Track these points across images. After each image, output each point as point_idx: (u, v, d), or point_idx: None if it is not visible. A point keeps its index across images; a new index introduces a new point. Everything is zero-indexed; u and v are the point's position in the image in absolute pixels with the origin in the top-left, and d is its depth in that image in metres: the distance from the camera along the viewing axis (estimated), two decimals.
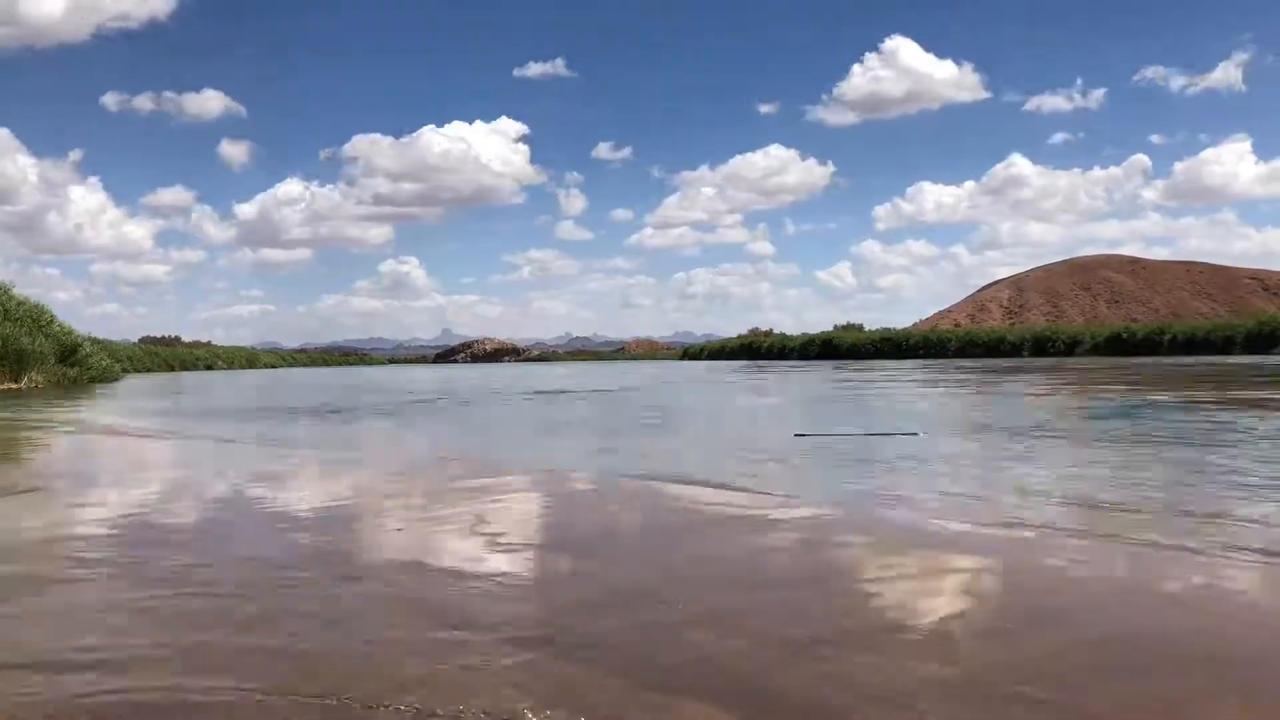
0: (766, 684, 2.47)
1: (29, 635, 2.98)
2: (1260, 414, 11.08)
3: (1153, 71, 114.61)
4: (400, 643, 2.84)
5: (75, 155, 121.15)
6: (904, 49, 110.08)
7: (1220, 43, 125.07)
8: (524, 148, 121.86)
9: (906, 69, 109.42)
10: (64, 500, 6.19)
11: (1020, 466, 7.04)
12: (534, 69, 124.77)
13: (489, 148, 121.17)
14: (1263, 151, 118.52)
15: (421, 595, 3.42)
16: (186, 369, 72.71)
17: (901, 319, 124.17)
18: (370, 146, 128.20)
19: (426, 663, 2.64)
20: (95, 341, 40.72)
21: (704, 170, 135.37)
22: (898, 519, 4.95)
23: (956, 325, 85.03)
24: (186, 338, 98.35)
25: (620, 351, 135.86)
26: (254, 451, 9.49)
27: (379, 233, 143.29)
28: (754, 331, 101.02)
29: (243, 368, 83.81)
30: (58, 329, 34.25)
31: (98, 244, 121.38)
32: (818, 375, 31.37)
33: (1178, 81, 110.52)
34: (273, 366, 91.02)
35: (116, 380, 37.99)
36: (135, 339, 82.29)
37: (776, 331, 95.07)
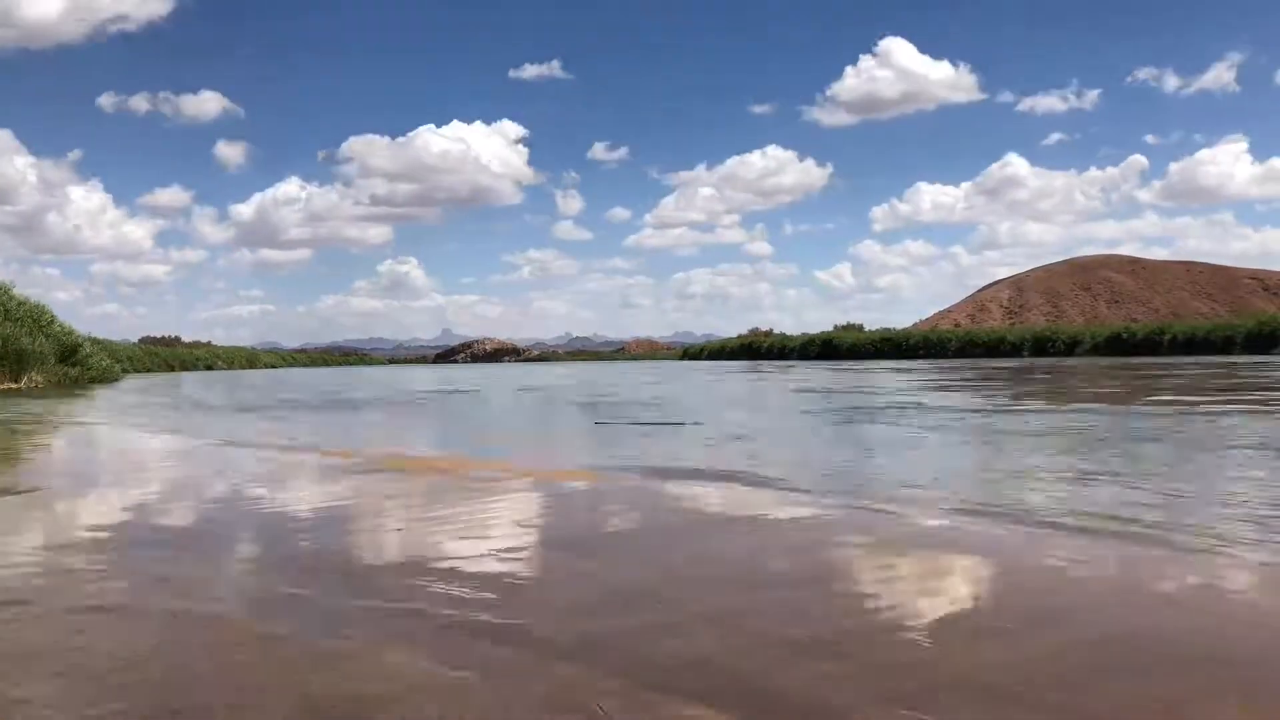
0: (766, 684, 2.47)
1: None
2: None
3: (1147, 72, 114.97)
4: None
5: (74, 155, 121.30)
6: (900, 50, 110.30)
7: (1214, 44, 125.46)
8: (521, 148, 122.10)
9: (902, 69, 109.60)
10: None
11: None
12: (530, 70, 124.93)
13: (486, 148, 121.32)
14: (1259, 152, 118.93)
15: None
16: (186, 369, 72.71)
17: (901, 319, 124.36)
18: (367, 147, 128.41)
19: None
20: (95, 342, 40.72)
21: (701, 170, 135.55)
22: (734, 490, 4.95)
23: (957, 325, 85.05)
24: (186, 338, 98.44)
25: (620, 351, 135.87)
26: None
27: (378, 233, 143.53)
28: (754, 332, 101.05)
29: (243, 367, 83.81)
30: (58, 329, 34.25)
31: (97, 244, 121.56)
32: (781, 374, 31.39)
33: (1172, 82, 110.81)
34: (273, 366, 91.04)
35: (117, 380, 37.99)
36: (135, 339, 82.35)
37: (776, 332, 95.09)
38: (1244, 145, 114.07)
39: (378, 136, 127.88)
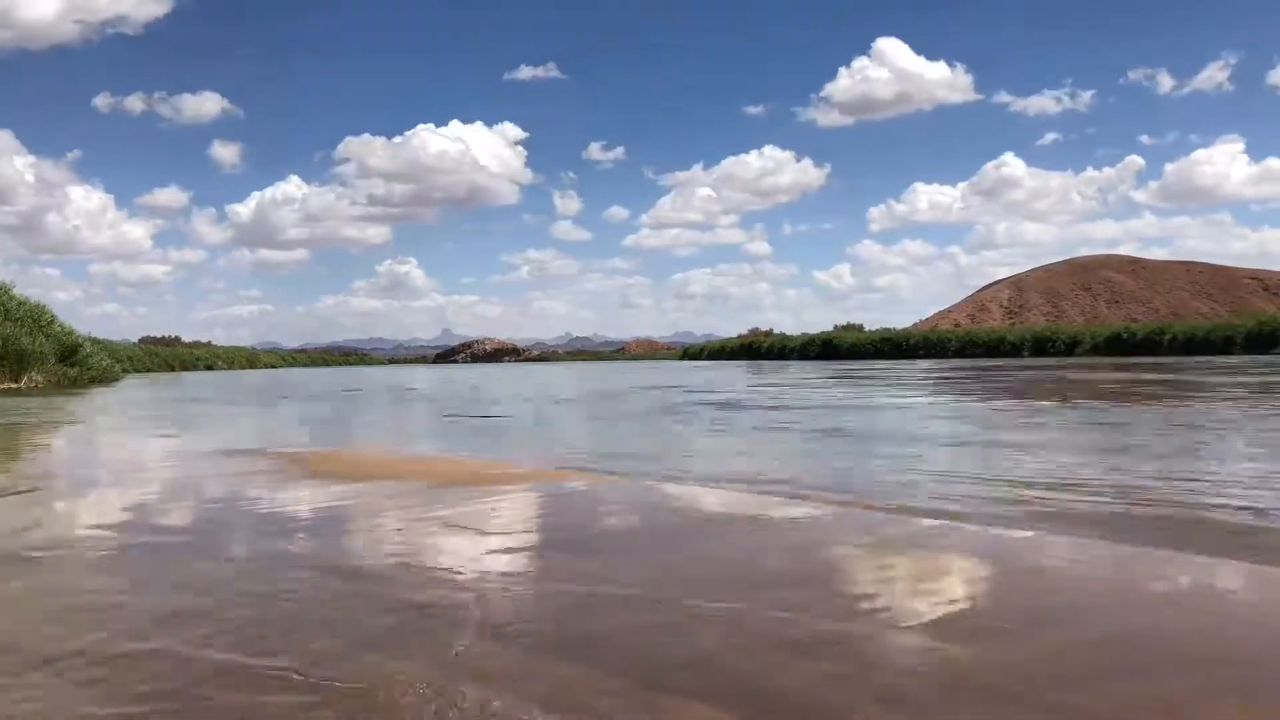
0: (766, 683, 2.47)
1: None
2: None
3: (1142, 73, 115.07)
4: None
5: (73, 155, 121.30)
6: (895, 50, 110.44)
7: (1208, 45, 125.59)
8: (518, 148, 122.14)
9: (898, 70, 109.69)
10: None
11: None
12: (527, 70, 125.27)
13: (483, 148, 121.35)
14: (1254, 152, 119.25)
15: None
16: (186, 369, 72.72)
17: (900, 319, 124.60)
18: (364, 147, 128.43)
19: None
20: (95, 342, 40.72)
21: (697, 171, 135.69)
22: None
23: (957, 325, 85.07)
24: (186, 338, 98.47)
25: (620, 351, 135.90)
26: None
27: (376, 233, 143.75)
28: (754, 332, 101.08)
29: (243, 368, 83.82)
30: (58, 329, 34.25)
31: (96, 244, 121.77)
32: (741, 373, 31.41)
33: (1167, 83, 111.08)
34: (273, 366, 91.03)
35: (117, 380, 37.99)
36: (135, 339, 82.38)
37: (777, 332, 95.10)
38: (1240, 146, 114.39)
39: (376, 137, 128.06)
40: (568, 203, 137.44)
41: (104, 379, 36.18)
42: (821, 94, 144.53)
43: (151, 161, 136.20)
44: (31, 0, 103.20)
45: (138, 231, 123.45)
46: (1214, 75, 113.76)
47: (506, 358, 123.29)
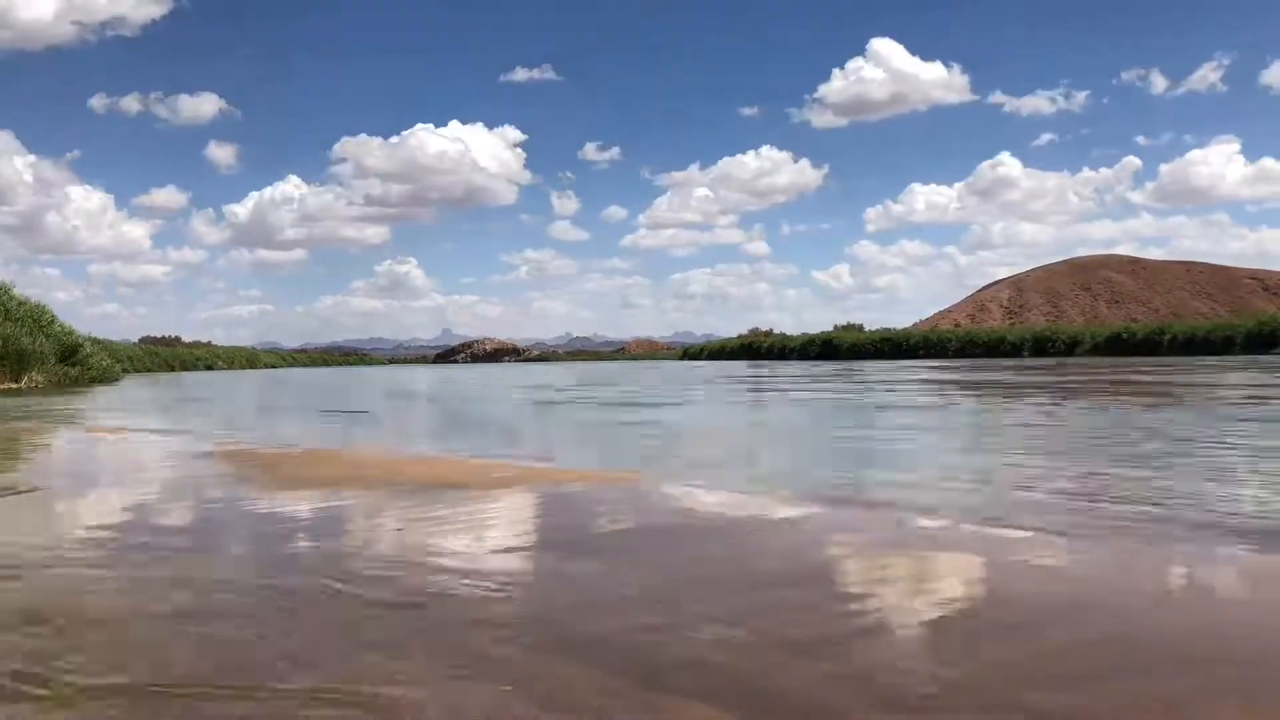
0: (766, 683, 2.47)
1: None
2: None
3: (1137, 74, 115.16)
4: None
5: (72, 156, 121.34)
6: (891, 51, 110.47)
7: (1202, 46, 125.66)
8: (515, 148, 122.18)
9: (894, 70, 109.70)
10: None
11: None
12: (524, 71, 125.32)
13: (480, 148, 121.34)
14: (1249, 153, 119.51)
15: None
16: (187, 369, 72.75)
17: (899, 319, 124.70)
18: (361, 147, 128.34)
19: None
20: (96, 342, 40.73)
21: (693, 171, 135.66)
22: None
23: (957, 325, 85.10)
24: (186, 338, 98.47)
25: (621, 351, 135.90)
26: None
27: (375, 233, 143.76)
28: (754, 332, 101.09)
29: (243, 368, 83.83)
30: (58, 329, 34.27)
31: (95, 244, 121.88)
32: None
33: (1162, 84, 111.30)
34: (273, 366, 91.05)
35: (117, 380, 37.99)
36: (135, 339, 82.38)
37: (777, 332, 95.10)
38: (1236, 146, 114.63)
39: (374, 137, 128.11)
40: (565, 203, 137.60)
41: (104, 379, 36.18)
42: (817, 95, 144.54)
43: (150, 162, 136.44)
44: (30, 1, 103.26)
45: (137, 231, 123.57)
46: (1207, 76, 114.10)
47: (506, 358, 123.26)
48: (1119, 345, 57.37)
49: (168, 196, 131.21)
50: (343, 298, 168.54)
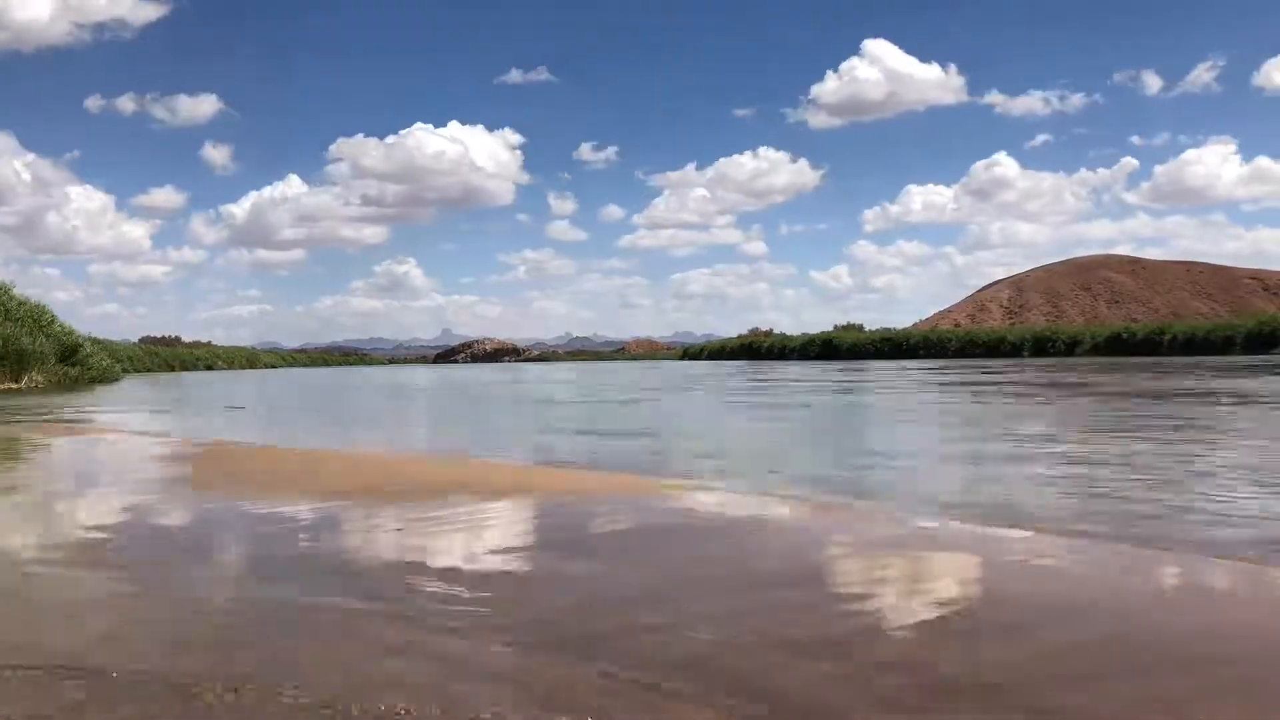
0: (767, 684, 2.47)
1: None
2: None
3: (1132, 75, 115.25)
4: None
5: (71, 156, 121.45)
6: (887, 51, 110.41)
7: (1196, 47, 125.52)
8: (513, 148, 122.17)
9: (890, 71, 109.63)
10: None
11: None
12: (521, 72, 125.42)
13: (478, 149, 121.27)
14: (1245, 153, 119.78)
15: None
16: (187, 369, 72.73)
17: (897, 319, 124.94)
18: (358, 148, 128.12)
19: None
20: (96, 342, 40.72)
21: (690, 171, 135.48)
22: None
23: (957, 325, 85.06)
24: (186, 338, 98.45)
25: (621, 351, 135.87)
26: None
27: (373, 232, 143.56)
28: (754, 332, 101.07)
29: (243, 368, 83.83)
30: (59, 329, 34.26)
31: (95, 244, 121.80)
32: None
33: (1157, 84, 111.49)
34: (273, 367, 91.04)
35: (117, 380, 37.99)
36: (135, 339, 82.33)
37: (776, 332, 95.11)
38: (1232, 147, 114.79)
39: (372, 138, 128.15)
40: (563, 203, 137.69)
41: (104, 379, 36.18)
42: (813, 95, 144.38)
43: (149, 163, 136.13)
44: (29, 2, 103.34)
45: (136, 232, 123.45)
46: (1201, 76, 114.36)
47: (506, 358, 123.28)
48: (1119, 345, 57.34)
49: (166, 196, 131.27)
50: (342, 298, 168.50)
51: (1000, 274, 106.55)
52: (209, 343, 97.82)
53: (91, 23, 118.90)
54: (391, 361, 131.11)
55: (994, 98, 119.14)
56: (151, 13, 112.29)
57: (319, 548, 4.33)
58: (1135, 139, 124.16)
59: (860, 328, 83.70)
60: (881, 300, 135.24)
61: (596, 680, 2.48)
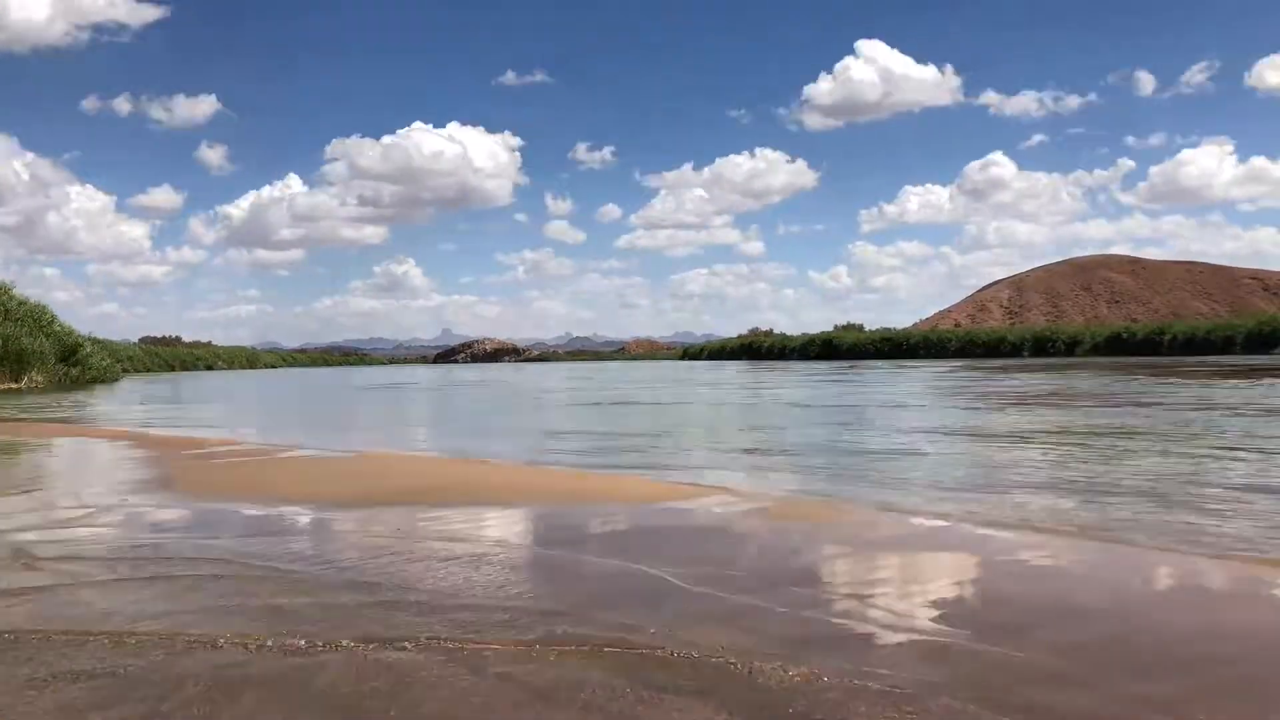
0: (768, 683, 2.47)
1: None
2: None
3: (1127, 75, 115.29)
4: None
5: (70, 157, 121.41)
6: (883, 52, 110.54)
7: (1191, 48, 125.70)
8: (510, 149, 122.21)
9: (886, 72, 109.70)
10: None
11: None
12: (518, 73, 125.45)
13: (475, 149, 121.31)
14: (1240, 153, 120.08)
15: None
16: (187, 369, 72.79)
17: (896, 318, 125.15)
18: (356, 148, 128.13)
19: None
20: (96, 342, 40.74)
21: (686, 171, 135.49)
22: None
23: (957, 325, 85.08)
24: (186, 338, 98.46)
25: (621, 351, 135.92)
26: None
27: (372, 233, 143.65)
28: (754, 331, 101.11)
29: (243, 368, 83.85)
30: (59, 329, 34.28)
31: (94, 245, 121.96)
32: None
33: (1152, 85, 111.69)
34: (273, 366, 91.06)
35: (116, 380, 38.01)
36: (135, 339, 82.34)
37: (776, 331, 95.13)
38: (1229, 147, 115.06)
39: (369, 139, 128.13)
40: (560, 203, 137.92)
41: (104, 379, 36.21)
42: (809, 96, 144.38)
43: (148, 163, 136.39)
44: (29, 4, 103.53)
45: (136, 232, 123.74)
46: (1195, 77, 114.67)
47: (507, 357, 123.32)
48: (1119, 345, 57.36)
49: (165, 196, 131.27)
50: (341, 298, 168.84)
51: (997, 274, 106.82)
52: (209, 343, 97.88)
53: (90, 23, 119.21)
54: (392, 361, 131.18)
55: (989, 98, 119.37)
56: (149, 14, 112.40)
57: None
58: (1130, 139, 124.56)
59: (860, 328, 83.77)
60: (880, 300, 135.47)
61: None
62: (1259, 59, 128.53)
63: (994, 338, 68.49)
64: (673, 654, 2.66)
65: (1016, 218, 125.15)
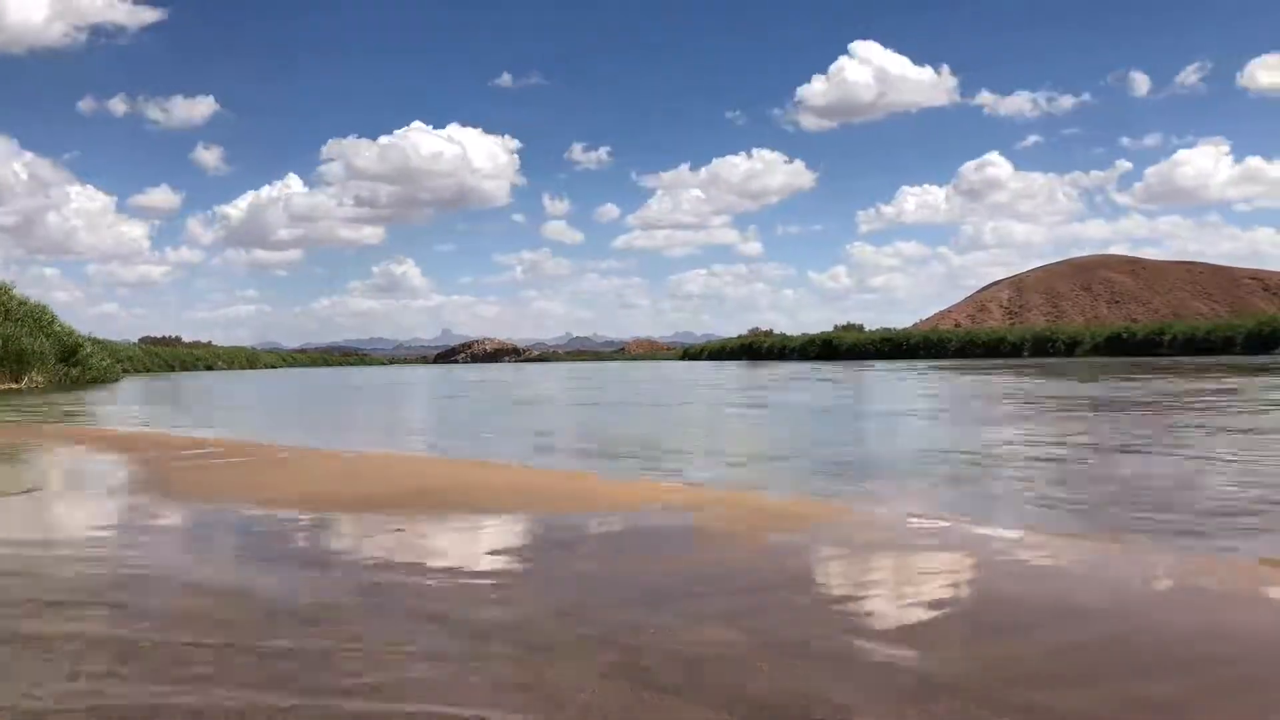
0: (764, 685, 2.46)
1: None
2: None
3: (1123, 76, 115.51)
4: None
5: (68, 157, 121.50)
6: (880, 53, 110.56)
7: (1186, 48, 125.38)
8: (508, 150, 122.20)
9: (882, 72, 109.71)
10: None
11: None
12: (515, 74, 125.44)
13: (473, 149, 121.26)
14: (1235, 153, 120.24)
15: None
16: (187, 369, 72.72)
17: (895, 319, 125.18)
18: (354, 149, 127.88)
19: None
20: (96, 342, 40.69)
21: (683, 171, 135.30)
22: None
23: (957, 325, 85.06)
24: (186, 338, 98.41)
25: (621, 352, 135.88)
26: None
27: (370, 233, 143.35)
28: (754, 332, 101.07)
29: (243, 368, 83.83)
30: (59, 329, 34.26)
31: (93, 245, 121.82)
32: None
33: (1147, 86, 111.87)
34: (272, 367, 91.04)
35: (116, 380, 38.00)
36: (135, 339, 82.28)
37: (776, 332, 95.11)
38: (1225, 148, 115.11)
39: (366, 140, 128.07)
40: (557, 204, 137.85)
41: (104, 379, 36.20)
42: (803, 97, 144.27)
43: (147, 163, 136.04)
44: (27, 6, 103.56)
45: (135, 232, 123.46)
46: (1189, 78, 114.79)
47: (506, 358, 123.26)
48: (1119, 345, 57.32)
49: (163, 197, 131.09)
50: (340, 298, 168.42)
51: (995, 274, 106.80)
52: (209, 343, 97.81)
53: (88, 25, 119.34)
54: (392, 361, 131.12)
55: (984, 98, 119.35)
56: (147, 16, 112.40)
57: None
58: (1125, 140, 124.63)
59: (860, 328, 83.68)
60: (879, 300, 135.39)
61: None
62: (1250, 59, 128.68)
63: (994, 338, 68.43)
64: (673, 654, 2.67)
65: (1013, 218, 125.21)
